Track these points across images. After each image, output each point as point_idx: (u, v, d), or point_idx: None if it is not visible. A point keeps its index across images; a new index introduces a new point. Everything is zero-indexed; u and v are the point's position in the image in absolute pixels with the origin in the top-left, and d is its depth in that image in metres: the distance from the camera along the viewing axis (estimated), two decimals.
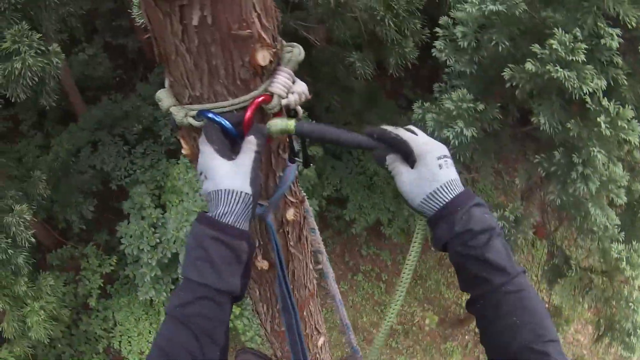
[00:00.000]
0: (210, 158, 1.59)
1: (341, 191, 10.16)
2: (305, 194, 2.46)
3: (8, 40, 6.06)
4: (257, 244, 1.97)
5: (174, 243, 7.49)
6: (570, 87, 5.63)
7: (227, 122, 1.56)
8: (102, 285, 8.32)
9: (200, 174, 1.65)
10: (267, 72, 1.43)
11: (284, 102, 1.54)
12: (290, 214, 2.38)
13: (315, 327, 3.19)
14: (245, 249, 1.60)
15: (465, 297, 7.46)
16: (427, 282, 10.32)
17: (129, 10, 7.02)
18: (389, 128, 1.70)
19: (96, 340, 8.42)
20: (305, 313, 3.01)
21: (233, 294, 1.60)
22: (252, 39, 1.29)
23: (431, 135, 6.72)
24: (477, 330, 7.34)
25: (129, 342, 8.29)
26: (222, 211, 1.57)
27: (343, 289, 10.12)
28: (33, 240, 6.40)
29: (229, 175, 1.58)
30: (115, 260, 8.42)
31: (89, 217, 8.41)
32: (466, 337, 9.96)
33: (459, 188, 1.61)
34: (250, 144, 1.62)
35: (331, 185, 10.00)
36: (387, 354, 9.89)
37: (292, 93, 1.55)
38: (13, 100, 6.34)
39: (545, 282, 7.06)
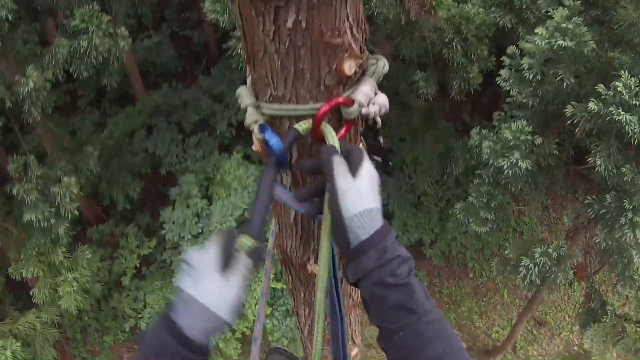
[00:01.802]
0: (206, 261, 1.51)
1: (387, 206, 10.14)
2: None
3: (77, 19, 6.19)
4: (311, 247, 1.92)
5: (215, 234, 7.53)
6: (630, 131, 5.53)
7: (279, 144, 1.52)
8: (137, 266, 8.40)
9: (186, 263, 1.51)
10: (351, 82, 1.42)
11: (363, 111, 1.52)
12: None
13: (352, 336, 3.17)
14: None
15: (494, 328, 7.33)
16: (461, 308, 10.21)
17: (200, 5, 7.10)
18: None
19: (124, 319, 8.51)
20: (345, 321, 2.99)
21: None
22: (341, 48, 1.29)
23: (485, 163, 6.65)
24: None
25: None
26: (190, 322, 1.46)
27: None
28: (76, 213, 6.49)
29: (216, 293, 1.49)
30: (154, 244, 8.51)
31: (134, 198, 8.54)
32: None
33: (380, 219, 1.50)
34: (247, 265, 1.54)
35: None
36: None
37: (374, 104, 1.53)
38: (75, 76, 6.48)
39: (578, 324, 6.90)
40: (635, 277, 6.05)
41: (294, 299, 2.44)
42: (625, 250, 6.16)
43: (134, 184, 8.53)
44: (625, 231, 5.89)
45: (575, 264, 6.79)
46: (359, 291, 1.54)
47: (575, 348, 9.39)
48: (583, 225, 7.00)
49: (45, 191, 6.45)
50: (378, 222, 1.49)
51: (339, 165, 1.51)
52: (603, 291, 6.91)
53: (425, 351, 1.47)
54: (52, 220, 6.38)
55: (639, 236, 5.85)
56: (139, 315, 8.30)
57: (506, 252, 6.89)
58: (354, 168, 1.51)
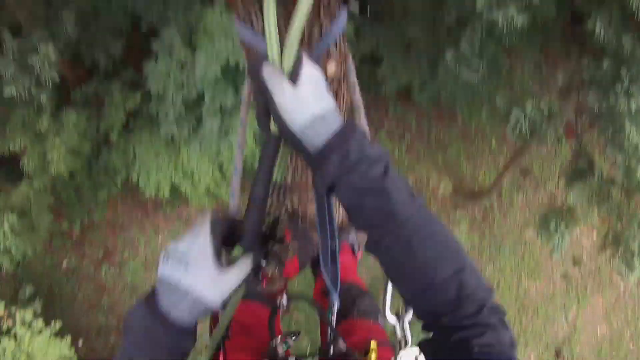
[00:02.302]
0: (199, 250, 1.46)
1: (378, 51, 9.81)
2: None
3: None
4: None
5: (201, 83, 7.41)
6: (635, 4, 5.25)
7: None
8: (124, 120, 8.31)
9: (175, 252, 1.48)
10: None
11: None
12: (331, 68, 2.29)
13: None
14: (190, 346, 1.54)
15: (482, 173, 7.46)
16: (448, 150, 10.29)
17: None
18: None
19: (115, 173, 8.56)
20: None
21: None
22: None
23: (479, 15, 6.36)
24: (487, 205, 7.44)
25: (147, 175, 8.42)
26: (181, 313, 1.46)
27: None
28: (57, 79, 6.31)
29: (208, 284, 1.46)
30: (139, 96, 8.35)
31: (116, 56, 8.26)
32: (476, 210, 10.09)
33: (339, 120, 1.41)
34: (247, 265, 1.54)
35: (368, 45, 9.65)
36: None
37: None
38: None
39: (565, 180, 7.00)
40: (625, 144, 6.02)
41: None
42: (617, 116, 6.08)
43: (115, 42, 8.20)
44: (620, 100, 5.81)
45: (565, 122, 6.76)
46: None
47: (559, 201, 9.62)
48: (576, 86, 6.89)
49: (23, 63, 6.22)
50: (334, 123, 1.39)
51: (273, 76, 1.40)
52: (591, 152, 6.93)
53: (415, 257, 1.45)
54: (34, 91, 6.23)
55: (633, 106, 5.78)
56: (130, 168, 8.36)
57: (497, 100, 6.81)
58: (293, 74, 1.40)
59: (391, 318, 2.29)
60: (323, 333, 3.11)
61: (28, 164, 6.66)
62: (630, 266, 6.34)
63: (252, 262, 1.55)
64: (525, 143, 7.58)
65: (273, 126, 1.49)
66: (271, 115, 1.44)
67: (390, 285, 2.27)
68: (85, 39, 7.91)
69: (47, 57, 6.23)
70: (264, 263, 1.80)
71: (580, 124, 6.96)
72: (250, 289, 1.76)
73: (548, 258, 10.11)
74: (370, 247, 1.55)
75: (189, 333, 1.51)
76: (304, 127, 1.38)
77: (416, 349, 2.14)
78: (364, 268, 9.03)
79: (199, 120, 7.93)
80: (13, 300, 7.84)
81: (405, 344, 2.26)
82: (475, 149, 10.33)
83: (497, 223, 9.97)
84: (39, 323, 6.69)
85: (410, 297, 1.58)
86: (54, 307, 8.44)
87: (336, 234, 2.32)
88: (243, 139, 2.34)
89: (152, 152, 8.54)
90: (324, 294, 2.67)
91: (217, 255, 1.47)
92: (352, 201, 1.43)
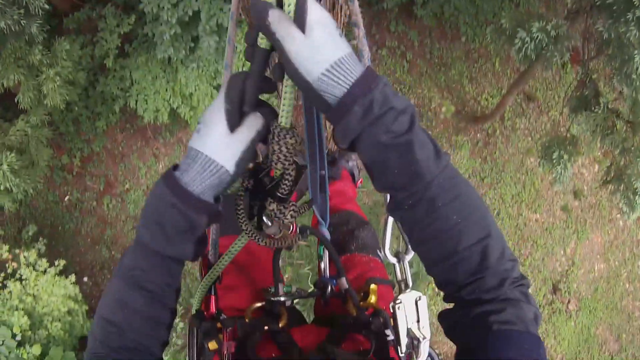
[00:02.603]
0: (214, 115, 1.48)
1: None
2: None
3: None
4: None
5: (196, 0, 7.20)
6: None
7: None
8: (119, 45, 8.10)
9: (199, 123, 1.52)
10: None
11: None
12: None
13: None
14: (202, 223, 1.52)
15: (485, 95, 7.43)
16: (451, 71, 10.08)
17: None
18: None
19: (113, 100, 8.44)
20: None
21: (185, 259, 1.60)
22: None
23: None
24: (489, 130, 7.42)
25: (145, 100, 8.29)
26: (192, 178, 1.47)
27: None
28: (47, 7, 6.11)
29: (219, 143, 1.46)
30: (133, 19, 8.12)
31: None
32: (478, 135, 10.00)
33: (358, 65, 1.32)
34: (256, 122, 1.49)
35: None
36: None
37: None
38: None
39: (569, 108, 6.91)
40: (634, 76, 5.86)
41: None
42: (626, 46, 5.92)
43: None
44: (631, 28, 5.63)
45: (572, 47, 6.60)
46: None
47: (562, 129, 9.51)
48: (585, 10, 6.68)
49: None
50: (355, 70, 1.32)
51: (280, 24, 1.31)
52: (597, 81, 6.78)
53: (439, 221, 1.42)
54: (23, 22, 6.02)
55: None
56: (127, 94, 8.22)
57: (502, 20, 6.64)
58: (298, 20, 1.31)
59: (391, 258, 2.22)
60: (318, 269, 3.12)
61: (23, 99, 6.52)
62: (631, 205, 6.32)
63: (262, 118, 1.50)
64: (530, 66, 7.42)
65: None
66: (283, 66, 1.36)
67: (390, 221, 2.16)
68: None
69: None
70: (268, 223, 1.82)
71: (587, 51, 6.79)
72: (249, 228, 1.80)
73: (549, 188, 10.11)
74: (393, 208, 1.51)
75: (202, 204, 1.49)
76: (321, 77, 1.30)
77: (416, 293, 2.07)
78: (365, 192, 9.08)
79: (196, 40, 7.76)
80: (17, 242, 7.89)
81: (406, 286, 2.20)
82: (478, 69, 10.14)
83: (499, 149, 9.92)
84: (43, 263, 6.75)
85: (431, 263, 1.56)
86: (58, 245, 8.50)
87: (325, 161, 2.30)
88: (233, 32, 2.23)
89: (149, 76, 8.37)
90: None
91: (232, 118, 1.46)
92: (375, 157, 1.36)
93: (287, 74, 1.36)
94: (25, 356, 6.10)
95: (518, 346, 1.35)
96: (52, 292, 6.68)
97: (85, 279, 8.45)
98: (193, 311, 2.29)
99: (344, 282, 2.50)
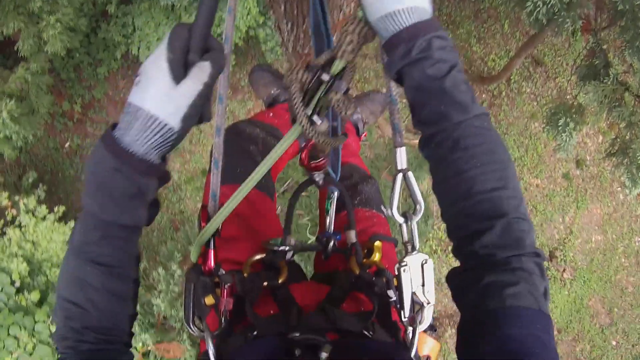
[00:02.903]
0: (155, 64, 1.36)
1: None
2: None
3: None
4: None
5: None
6: None
7: None
8: None
9: (137, 75, 1.42)
10: None
11: None
12: None
13: None
14: (152, 186, 1.46)
15: (493, 56, 7.36)
16: (459, 29, 9.89)
17: None
18: None
19: (115, 47, 8.31)
20: (334, 38, 2.92)
21: (139, 225, 1.54)
22: None
23: None
24: (495, 91, 7.35)
25: (148, 47, 8.13)
26: (133, 138, 1.38)
27: None
28: None
29: (161, 97, 1.35)
30: None
31: None
32: (483, 95, 9.86)
33: (425, 15, 1.48)
34: (202, 72, 1.37)
35: None
36: (400, 92, 9.89)
37: None
38: None
39: (577, 77, 6.81)
40: None
41: (274, 13, 2.34)
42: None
43: None
44: None
45: (584, 14, 6.49)
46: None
47: (569, 97, 9.38)
48: None
49: None
50: (413, 15, 1.46)
51: None
52: (607, 52, 6.67)
53: (459, 161, 1.50)
54: None
55: None
56: (129, 41, 8.08)
57: None
58: None
59: (399, 218, 2.16)
60: (322, 223, 3.11)
61: (23, 46, 6.41)
62: (634, 180, 6.27)
63: (210, 67, 1.38)
64: (540, 31, 7.29)
65: None
66: None
67: (399, 179, 2.13)
68: None
69: None
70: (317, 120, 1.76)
71: (599, 20, 6.65)
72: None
73: (551, 155, 10.03)
74: (422, 144, 1.61)
75: (148, 166, 1.42)
76: (378, 20, 1.47)
77: (423, 256, 2.11)
78: (367, 145, 9.03)
79: None
80: (17, 189, 7.87)
81: (412, 248, 2.16)
82: (486, 30, 9.95)
83: (504, 111, 9.81)
84: (43, 209, 6.72)
85: (446, 206, 1.59)
86: (58, 191, 8.48)
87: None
88: (231, 29, 2.16)
89: (152, 23, 8.21)
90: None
91: (176, 69, 1.36)
92: (413, 95, 1.51)
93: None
94: (24, 302, 6.14)
95: (530, 325, 1.35)
96: (52, 238, 6.68)
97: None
98: (193, 260, 2.26)
99: (352, 235, 2.47)
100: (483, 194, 1.45)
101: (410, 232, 2.17)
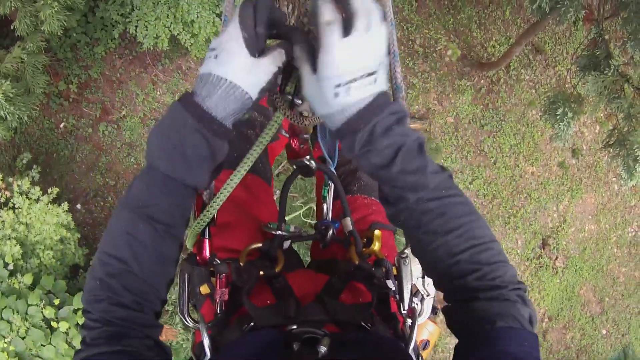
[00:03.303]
0: (232, 41, 1.48)
1: None
2: None
3: None
4: None
5: None
6: None
7: None
8: None
9: (212, 50, 1.51)
10: None
11: None
12: None
13: None
14: (224, 149, 1.55)
15: (493, 43, 7.37)
16: (460, 14, 9.82)
17: None
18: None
19: (112, 27, 8.23)
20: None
21: (200, 188, 1.60)
22: None
23: None
24: (494, 77, 7.33)
25: (145, 26, 8.07)
26: (215, 103, 1.47)
27: None
28: None
29: (243, 69, 1.47)
30: None
31: None
32: (482, 81, 9.84)
33: (372, 92, 1.44)
34: (280, 56, 1.53)
35: None
36: (402, 72, 9.85)
37: None
38: None
39: (577, 66, 6.80)
40: None
41: None
42: None
43: None
44: None
45: (587, 4, 6.46)
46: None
47: (568, 86, 9.35)
48: None
49: None
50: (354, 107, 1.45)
51: (301, 55, 1.50)
52: (608, 43, 6.64)
53: (425, 241, 1.58)
54: None
55: None
56: (127, 20, 8.00)
57: None
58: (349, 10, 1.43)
59: None
60: (319, 211, 3.09)
61: (20, 25, 6.32)
62: (630, 172, 6.28)
63: (284, 55, 1.54)
64: (542, 19, 7.26)
65: None
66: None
67: None
68: None
69: None
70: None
71: (602, 10, 6.62)
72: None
73: (547, 143, 10.04)
74: (390, 219, 1.66)
75: (225, 129, 1.52)
76: (324, 115, 1.50)
77: None
78: None
79: None
80: (11, 170, 7.82)
81: None
82: (488, 16, 9.89)
83: (502, 97, 9.78)
84: (37, 191, 6.68)
85: (428, 269, 1.69)
86: (52, 173, 8.43)
87: None
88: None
89: (150, 2, 8.13)
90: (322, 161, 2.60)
91: (251, 45, 1.47)
92: (371, 179, 1.64)
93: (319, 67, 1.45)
94: (16, 285, 6.12)
95: (519, 342, 1.46)
96: (45, 220, 6.65)
97: (79, 206, 8.45)
98: (188, 248, 2.26)
99: (348, 222, 2.47)
100: (458, 256, 1.52)
101: None
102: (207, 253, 2.21)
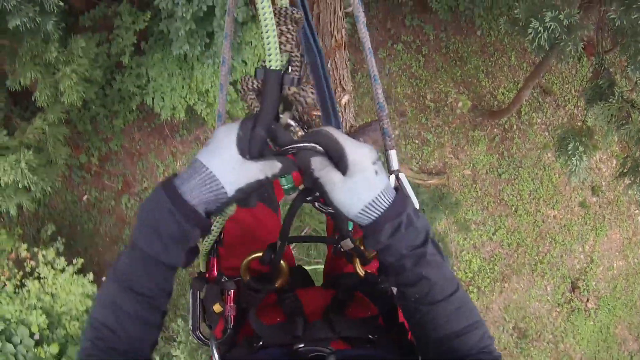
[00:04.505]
0: (227, 134, 1.52)
1: None
2: None
3: None
4: None
5: None
6: None
7: None
8: (135, 42, 8.16)
9: (210, 139, 1.56)
10: None
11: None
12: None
13: (340, 82, 3.13)
14: (195, 235, 1.56)
15: (502, 90, 7.43)
16: (467, 65, 10.04)
17: None
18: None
19: (129, 98, 8.52)
20: (329, 65, 2.95)
21: (176, 266, 1.63)
22: None
23: None
24: (506, 125, 7.38)
25: (162, 97, 8.36)
26: (190, 188, 1.50)
27: (381, 56, 9.93)
28: (62, 4, 6.20)
29: (228, 164, 1.49)
30: (149, 16, 8.19)
31: None
32: (495, 130, 9.94)
33: (390, 195, 1.56)
34: (271, 168, 1.54)
35: None
36: (416, 129, 10.00)
37: None
38: None
39: (584, 99, 6.87)
40: None
41: None
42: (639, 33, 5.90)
43: None
44: None
45: (586, 37, 6.57)
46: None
47: (579, 123, 9.43)
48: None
49: None
50: (387, 198, 1.55)
51: (322, 170, 1.54)
52: (613, 73, 6.73)
53: (436, 311, 1.65)
54: (39, 19, 6.10)
55: None
56: (144, 91, 8.30)
57: (515, 11, 6.65)
58: (341, 164, 1.54)
59: None
60: (329, 227, 3.11)
61: (40, 96, 6.60)
62: None
63: (279, 168, 1.55)
64: (545, 57, 7.39)
65: None
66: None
67: (392, 179, 2.21)
68: None
69: None
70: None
71: (601, 41, 6.74)
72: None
73: (566, 184, 10.04)
74: (400, 297, 1.71)
75: (196, 215, 1.52)
76: (357, 215, 1.54)
77: None
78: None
79: (211, 36, 7.76)
80: (35, 241, 7.98)
81: None
82: (494, 63, 10.10)
83: (516, 144, 9.86)
84: (62, 261, 6.80)
85: (420, 346, 1.77)
86: (77, 245, 8.61)
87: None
88: (225, 81, 2.25)
89: (165, 73, 8.43)
90: None
91: (242, 144, 1.51)
92: (395, 263, 1.59)
93: (331, 207, 1.58)
94: (43, 355, 6.14)
95: None
96: (71, 290, 6.73)
97: (104, 278, 8.53)
98: (202, 270, 2.36)
99: (348, 242, 2.49)
100: (450, 338, 1.64)
101: None
102: (215, 271, 2.27)
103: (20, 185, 6.47)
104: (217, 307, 2.17)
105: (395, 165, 2.21)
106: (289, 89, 1.71)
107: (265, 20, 1.60)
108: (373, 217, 1.54)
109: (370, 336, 2.08)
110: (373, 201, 1.53)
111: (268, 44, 1.62)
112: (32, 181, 6.46)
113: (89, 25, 8.24)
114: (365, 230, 1.58)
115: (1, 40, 6.63)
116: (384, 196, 1.54)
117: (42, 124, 6.75)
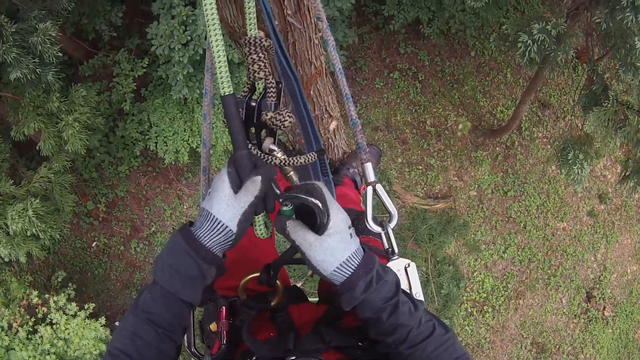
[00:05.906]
0: (219, 179, 1.71)
1: None
2: None
3: None
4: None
5: (205, 39, 7.38)
6: None
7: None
8: (135, 88, 8.33)
9: (211, 180, 1.79)
10: None
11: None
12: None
13: (326, 109, 3.16)
14: (212, 272, 1.75)
15: (500, 108, 7.46)
16: (464, 87, 10.12)
17: None
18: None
19: (133, 144, 8.63)
20: (312, 92, 3.00)
21: (194, 304, 1.80)
22: None
23: None
24: (507, 142, 7.40)
25: (165, 142, 8.45)
26: (203, 233, 1.70)
27: (378, 85, 10.02)
28: (60, 55, 6.32)
29: (225, 203, 1.68)
30: (147, 62, 8.36)
31: (118, 24, 8.22)
32: (497, 148, 9.98)
33: (360, 254, 1.74)
34: (254, 187, 1.70)
35: None
36: (419, 155, 10.05)
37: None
38: None
39: (580, 107, 6.92)
40: (638, 64, 5.89)
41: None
42: (627, 35, 5.95)
43: (114, 9, 8.15)
44: (627, 14, 5.65)
45: (576, 45, 6.63)
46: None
47: (580, 133, 9.49)
48: (584, 5, 6.72)
49: (25, 45, 6.22)
50: (358, 257, 1.73)
51: (296, 233, 1.73)
52: (607, 78, 6.79)
53: (418, 352, 1.77)
54: (39, 70, 6.23)
55: None
56: (147, 137, 8.40)
57: (503, 27, 6.73)
58: (321, 223, 1.72)
59: (376, 227, 2.37)
60: None
61: (44, 146, 6.71)
62: None
63: (260, 183, 1.70)
64: (538, 70, 7.45)
65: None
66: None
67: (370, 192, 2.38)
68: (84, 11, 7.89)
69: (46, 34, 6.20)
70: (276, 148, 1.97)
71: (592, 46, 6.81)
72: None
73: (573, 195, 10.04)
74: (383, 347, 1.85)
75: (211, 255, 1.71)
76: (332, 272, 1.70)
77: (405, 260, 2.33)
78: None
79: None
80: (46, 288, 8.02)
81: (392, 253, 2.37)
82: (490, 82, 10.18)
83: (519, 160, 9.90)
84: (73, 307, 6.83)
85: None
86: (88, 290, 8.64)
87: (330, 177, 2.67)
88: (209, 110, 2.33)
89: (166, 118, 8.54)
90: None
91: (233, 181, 1.70)
92: (371, 316, 1.74)
93: (308, 266, 1.73)
94: None
95: None
96: (83, 335, 6.74)
97: (117, 323, 8.51)
98: None
99: None
100: None
101: (389, 239, 2.41)
102: None
103: (28, 233, 6.54)
104: (213, 326, 2.32)
105: (371, 177, 2.35)
106: (267, 115, 1.84)
107: (217, 47, 1.71)
108: (346, 275, 1.70)
109: (360, 343, 2.13)
110: (347, 260, 1.69)
111: (220, 72, 1.72)
112: (40, 229, 6.53)
113: (89, 74, 8.41)
114: (340, 289, 1.72)
115: (3, 92, 6.77)
116: (355, 255, 1.71)
117: (48, 173, 6.83)
